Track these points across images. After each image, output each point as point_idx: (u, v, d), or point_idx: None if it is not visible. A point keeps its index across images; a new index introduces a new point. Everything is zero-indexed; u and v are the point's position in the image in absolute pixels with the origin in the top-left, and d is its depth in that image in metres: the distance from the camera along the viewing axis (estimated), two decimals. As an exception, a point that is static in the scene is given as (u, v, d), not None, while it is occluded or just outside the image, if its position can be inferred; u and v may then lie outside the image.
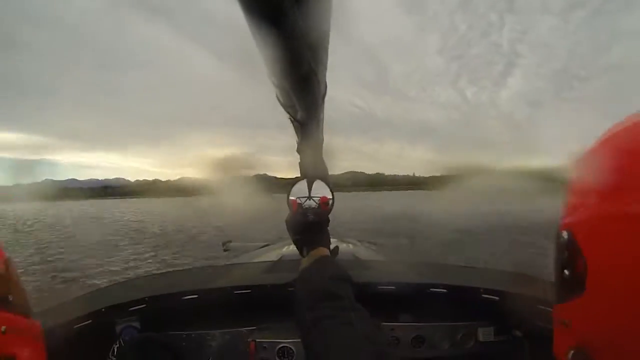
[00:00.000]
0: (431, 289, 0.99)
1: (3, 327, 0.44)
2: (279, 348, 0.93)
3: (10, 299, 0.48)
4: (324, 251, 0.80)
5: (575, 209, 0.41)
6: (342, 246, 2.14)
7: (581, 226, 0.39)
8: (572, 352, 0.40)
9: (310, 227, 0.86)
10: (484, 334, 0.99)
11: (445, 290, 0.99)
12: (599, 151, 0.40)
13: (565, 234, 0.40)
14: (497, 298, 0.94)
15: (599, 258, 0.36)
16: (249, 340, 0.95)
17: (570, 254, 0.40)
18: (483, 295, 0.95)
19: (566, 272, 0.41)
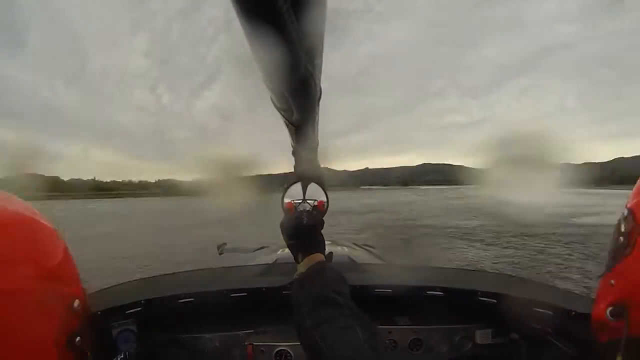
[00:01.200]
0: (428, 292, 0.99)
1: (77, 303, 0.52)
2: (277, 351, 0.93)
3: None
4: (319, 257, 0.78)
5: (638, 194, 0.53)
6: (338, 249, 2.14)
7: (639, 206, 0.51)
8: (610, 308, 0.50)
9: (305, 231, 0.84)
10: (482, 336, 0.99)
11: (442, 293, 0.98)
12: None
13: (626, 212, 0.53)
14: (494, 301, 0.94)
15: None
16: (246, 343, 0.94)
17: (626, 225, 0.51)
18: (480, 298, 0.95)
19: (621, 238, 0.52)
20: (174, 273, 1.27)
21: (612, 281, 0.51)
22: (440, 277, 1.18)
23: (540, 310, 0.84)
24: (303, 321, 0.59)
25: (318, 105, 0.71)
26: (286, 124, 0.77)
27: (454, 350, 0.99)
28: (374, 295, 0.98)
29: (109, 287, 1.14)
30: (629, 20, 44.53)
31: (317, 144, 0.94)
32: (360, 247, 2.50)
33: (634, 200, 0.52)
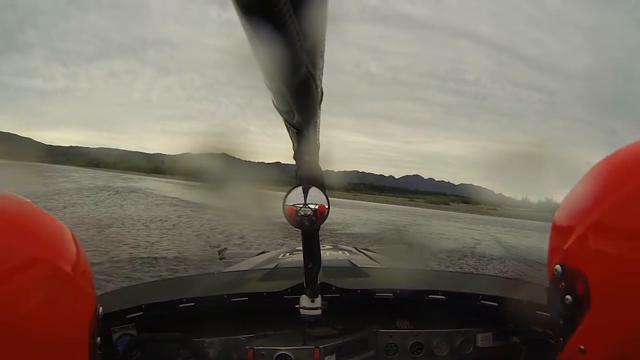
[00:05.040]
0: (429, 296, 0.99)
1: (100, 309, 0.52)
2: (277, 355, 0.93)
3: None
4: None
5: (563, 243, 0.45)
6: (339, 253, 2.15)
7: (572, 252, 0.43)
8: None
9: None
10: (483, 339, 0.99)
11: (443, 297, 0.98)
12: (583, 188, 0.46)
13: (559, 268, 0.45)
14: (495, 304, 0.94)
15: (596, 270, 0.41)
16: (246, 347, 0.94)
17: (567, 282, 0.44)
18: (482, 302, 0.95)
19: (568, 298, 0.44)
20: (175, 278, 1.27)
21: (582, 347, 0.42)
22: (441, 281, 1.18)
23: (542, 313, 0.83)
24: None
25: (319, 107, 0.71)
26: (287, 126, 0.77)
27: (455, 353, 0.99)
28: (375, 299, 0.98)
29: (110, 292, 1.14)
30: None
31: (319, 147, 0.95)
32: (361, 251, 2.51)
33: (560, 252, 0.45)
